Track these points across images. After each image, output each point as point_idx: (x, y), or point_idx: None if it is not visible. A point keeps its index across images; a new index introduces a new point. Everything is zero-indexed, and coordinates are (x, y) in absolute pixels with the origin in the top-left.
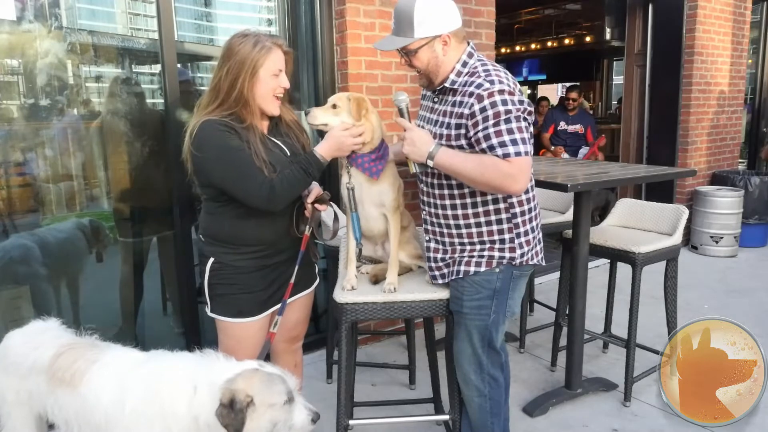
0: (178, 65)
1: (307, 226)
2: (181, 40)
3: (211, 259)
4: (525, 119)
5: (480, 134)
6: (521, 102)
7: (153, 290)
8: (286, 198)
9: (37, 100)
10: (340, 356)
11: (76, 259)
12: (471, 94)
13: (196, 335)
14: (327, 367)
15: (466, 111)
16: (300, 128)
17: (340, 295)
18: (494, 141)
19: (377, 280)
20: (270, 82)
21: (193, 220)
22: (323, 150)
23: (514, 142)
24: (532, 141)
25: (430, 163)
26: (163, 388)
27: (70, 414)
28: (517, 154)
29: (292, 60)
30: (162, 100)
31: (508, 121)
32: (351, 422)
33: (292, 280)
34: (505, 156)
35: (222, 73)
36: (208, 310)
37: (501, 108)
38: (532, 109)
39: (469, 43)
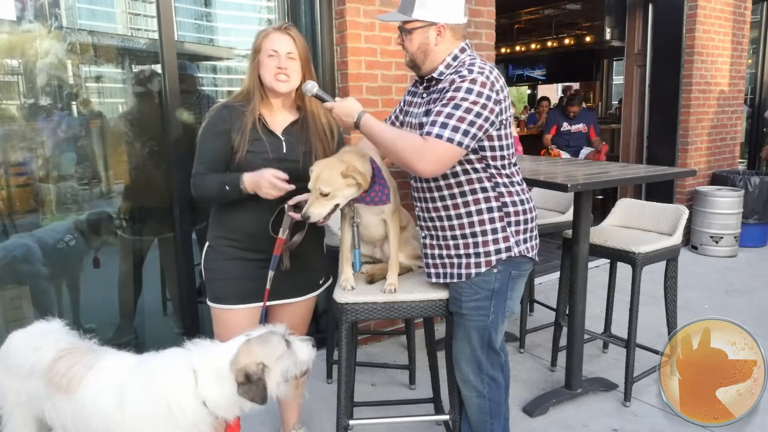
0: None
1: (281, 230)
2: (181, 40)
3: (207, 243)
4: (479, 114)
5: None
6: (488, 98)
7: (153, 290)
8: (199, 196)
9: (37, 100)
10: (340, 356)
11: (76, 258)
12: (451, 81)
13: (196, 335)
14: (327, 367)
15: None
16: (324, 132)
17: (340, 295)
18: (430, 118)
19: (373, 280)
20: (267, 64)
21: (192, 221)
22: (247, 178)
23: (444, 125)
24: (503, 140)
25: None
26: (161, 385)
27: (67, 419)
28: (438, 136)
29: (295, 41)
30: (161, 100)
31: (456, 107)
32: (351, 422)
33: (267, 286)
34: (426, 134)
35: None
36: None
37: (459, 94)
38: (503, 108)
39: (465, 41)
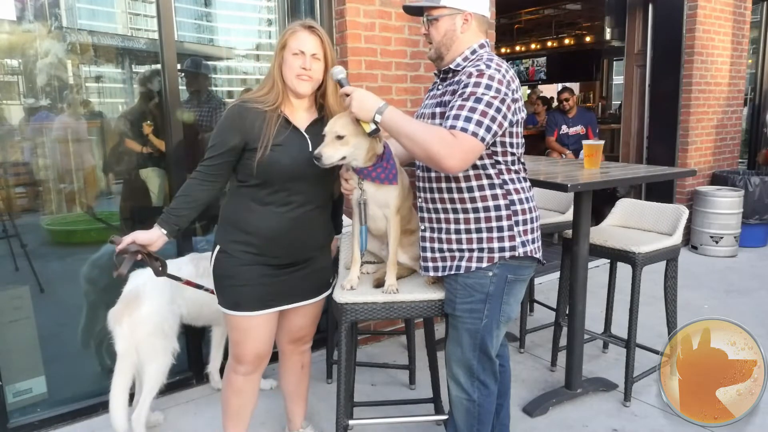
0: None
1: (124, 265)
2: (181, 40)
3: (218, 247)
4: (499, 109)
5: (451, 103)
6: (506, 95)
7: None
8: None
9: (37, 100)
10: (340, 356)
11: None
12: (469, 74)
13: (196, 334)
14: (327, 367)
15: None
16: None
17: (340, 295)
18: (452, 112)
19: (379, 284)
20: (291, 62)
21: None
22: (157, 228)
23: (467, 119)
24: (514, 138)
25: (378, 118)
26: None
27: None
28: (463, 130)
29: (322, 41)
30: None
31: (477, 101)
32: (351, 422)
33: None
34: (451, 128)
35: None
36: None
37: (479, 90)
38: (517, 107)
39: (485, 39)
